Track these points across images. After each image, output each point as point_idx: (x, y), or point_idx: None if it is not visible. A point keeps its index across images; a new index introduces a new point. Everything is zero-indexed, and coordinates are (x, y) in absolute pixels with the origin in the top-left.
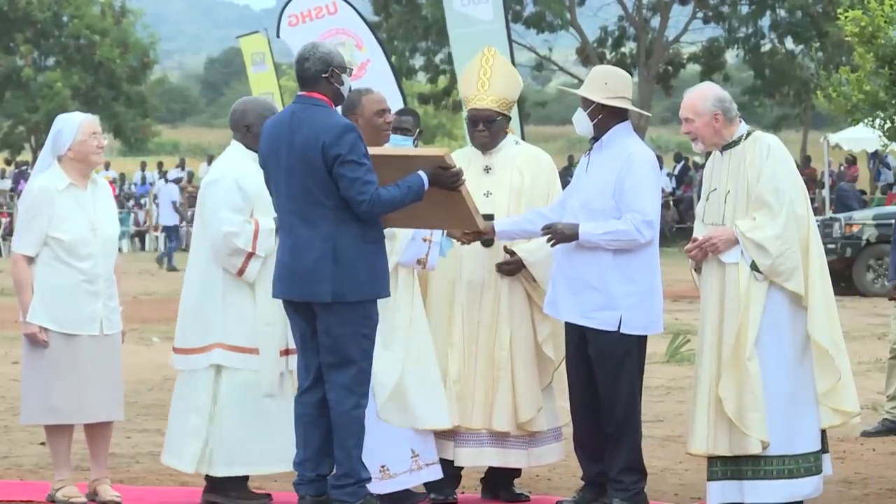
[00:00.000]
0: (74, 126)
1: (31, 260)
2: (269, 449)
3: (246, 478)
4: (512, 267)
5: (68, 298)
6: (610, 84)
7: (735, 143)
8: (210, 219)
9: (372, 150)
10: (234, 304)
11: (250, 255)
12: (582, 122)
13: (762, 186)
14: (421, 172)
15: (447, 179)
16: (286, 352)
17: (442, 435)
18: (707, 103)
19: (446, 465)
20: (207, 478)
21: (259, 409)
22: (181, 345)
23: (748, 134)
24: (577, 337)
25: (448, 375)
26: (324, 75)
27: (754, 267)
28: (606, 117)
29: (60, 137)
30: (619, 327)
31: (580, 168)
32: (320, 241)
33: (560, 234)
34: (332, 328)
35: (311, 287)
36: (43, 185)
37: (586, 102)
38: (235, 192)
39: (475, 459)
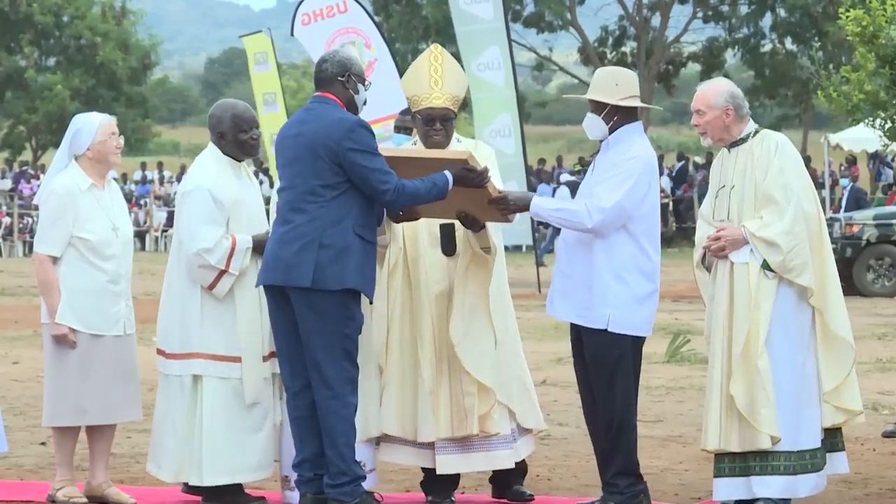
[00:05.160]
0: (94, 126)
1: (55, 260)
2: (254, 456)
3: (240, 485)
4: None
5: (95, 299)
6: (621, 85)
7: (743, 140)
8: (184, 232)
9: (399, 152)
10: (213, 312)
11: (223, 273)
12: (596, 127)
13: (769, 183)
14: (447, 172)
15: (474, 180)
16: (270, 355)
17: (421, 444)
18: (720, 97)
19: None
20: (202, 488)
21: (242, 417)
22: (162, 347)
23: (756, 132)
24: (575, 337)
25: (422, 388)
26: (340, 78)
27: (766, 266)
28: (620, 118)
29: (79, 137)
30: (607, 326)
31: (590, 170)
32: (309, 228)
33: (512, 206)
34: (310, 325)
35: (291, 271)
36: (66, 185)
37: (599, 106)
38: (210, 204)
39: (461, 466)
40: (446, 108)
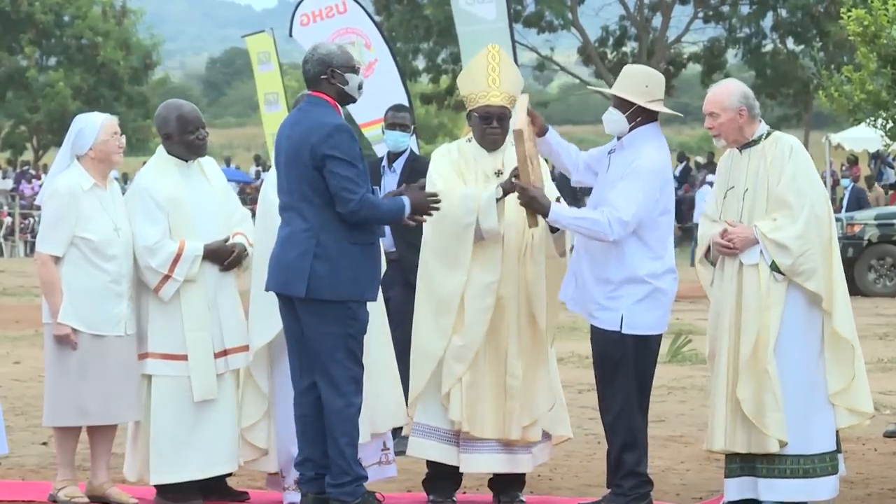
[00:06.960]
0: (96, 126)
1: (57, 260)
2: (208, 452)
3: (193, 481)
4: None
5: (97, 299)
6: (651, 87)
7: (755, 142)
8: (131, 229)
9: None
10: (162, 311)
11: (167, 277)
12: (617, 123)
13: (783, 188)
14: (404, 198)
15: (428, 205)
16: (224, 353)
17: (446, 441)
18: (733, 99)
19: (446, 467)
20: (159, 487)
21: (193, 414)
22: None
23: (768, 133)
24: (591, 336)
25: (459, 379)
26: (322, 76)
27: (774, 268)
28: (643, 119)
29: (82, 137)
30: (620, 327)
31: (603, 166)
32: (306, 235)
33: (532, 202)
34: (313, 326)
35: (290, 280)
36: (69, 184)
37: (624, 104)
38: (149, 203)
39: (483, 466)
40: (503, 106)
